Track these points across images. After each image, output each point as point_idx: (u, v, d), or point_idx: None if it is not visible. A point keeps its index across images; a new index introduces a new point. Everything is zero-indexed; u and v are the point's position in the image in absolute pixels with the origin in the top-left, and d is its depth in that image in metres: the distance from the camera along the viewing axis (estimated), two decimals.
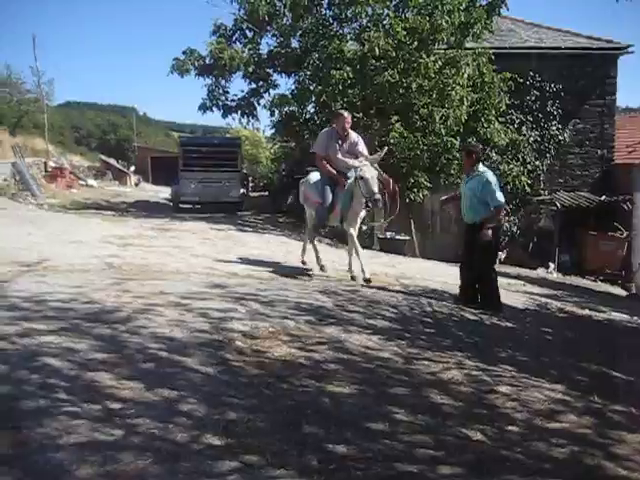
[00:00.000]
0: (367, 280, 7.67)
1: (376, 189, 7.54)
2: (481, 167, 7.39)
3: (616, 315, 9.15)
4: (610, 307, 9.96)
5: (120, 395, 3.20)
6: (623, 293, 15.36)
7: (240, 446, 2.78)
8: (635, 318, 9.06)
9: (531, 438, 3.36)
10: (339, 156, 8.05)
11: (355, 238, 8.03)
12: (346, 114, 8.41)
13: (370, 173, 7.59)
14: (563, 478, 2.88)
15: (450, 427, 3.34)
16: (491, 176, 7.26)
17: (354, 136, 8.36)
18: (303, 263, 8.84)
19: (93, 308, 4.92)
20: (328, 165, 8.17)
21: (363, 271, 7.73)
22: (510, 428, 3.48)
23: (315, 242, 8.98)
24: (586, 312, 8.95)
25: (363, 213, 8.13)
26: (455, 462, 2.91)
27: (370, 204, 7.68)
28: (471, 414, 3.61)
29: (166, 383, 3.41)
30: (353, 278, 8.03)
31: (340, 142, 8.20)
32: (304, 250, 8.96)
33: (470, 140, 14.34)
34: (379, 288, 7.53)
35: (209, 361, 3.90)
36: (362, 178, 7.58)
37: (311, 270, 8.51)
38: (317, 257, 8.80)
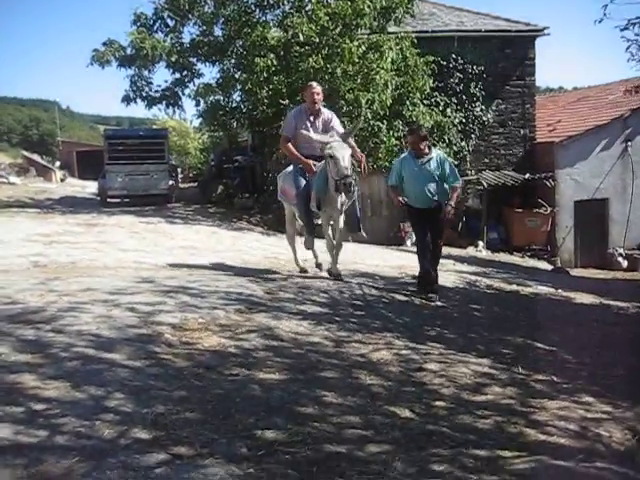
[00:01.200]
0: (337, 275, 7.27)
1: (347, 171, 6.51)
2: (434, 149, 7.20)
3: (542, 289, 9.47)
4: (536, 281, 10.29)
5: (44, 395, 3.13)
6: (548, 267, 15.90)
7: (169, 438, 2.77)
8: (559, 291, 9.40)
9: (457, 412, 3.46)
10: (312, 135, 6.96)
11: (339, 229, 7.18)
12: (315, 85, 7.52)
13: (341, 151, 6.54)
14: (487, 447, 2.97)
15: (379, 406, 3.40)
16: (446, 155, 7.25)
17: (327, 112, 7.49)
18: (303, 271, 7.80)
19: (15, 309, 4.78)
20: (294, 149, 7.20)
21: (333, 264, 7.33)
22: (437, 403, 3.57)
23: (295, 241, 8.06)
24: (513, 287, 9.22)
25: (344, 197, 6.93)
26: (383, 440, 2.97)
27: (340, 188, 6.59)
28: (400, 392, 3.68)
29: (92, 380, 3.35)
30: (319, 266, 7.72)
31: (312, 119, 7.28)
32: (296, 256, 7.98)
33: (396, 123, 14.53)
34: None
35: (137, 355, 3.84)
36: (331, 157, 6.56)
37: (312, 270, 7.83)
38: (296, 259, 7.94)
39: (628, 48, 7.45)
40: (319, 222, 7.33)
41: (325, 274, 7.57)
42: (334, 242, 7.21)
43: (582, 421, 3.43)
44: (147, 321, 4.64)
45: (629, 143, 17.92)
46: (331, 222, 7.18)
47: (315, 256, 7.86)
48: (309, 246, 7.56)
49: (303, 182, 7.06)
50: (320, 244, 7.62)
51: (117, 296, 5.38)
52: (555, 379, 4.28)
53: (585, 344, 5.49)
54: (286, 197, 7.62)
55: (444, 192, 6.96)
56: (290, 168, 7.52)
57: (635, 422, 3.46)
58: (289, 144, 7.24)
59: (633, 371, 4.75)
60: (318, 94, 7.28)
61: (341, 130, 7.17)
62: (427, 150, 7.01)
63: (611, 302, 8.51)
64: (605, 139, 17.95)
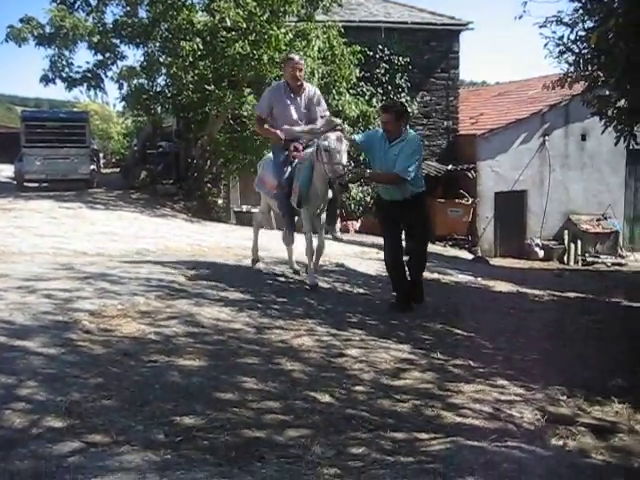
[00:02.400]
0: (314, 287, 6.35)
1: (344, 169, 5.73)
2: (409, 131, 6.05)
3: (462, 277, 9.70)
4: (457, 270, 10.53)
5: None
6: (469, 257, 16.30)
7: (84, 426, 2.70)
8: (479, 279, 9.65)
9: (376, 396, 3.51)
10: (293, 115, 6.24)
11: (322, 228, 6.54)
12: (296, 57, 6.58)
13: (338, 145, 5.70)
14: (405, 430, 3.02)
15: (299, 392, 3.41)
16: (417, 138, 6.15)
17: (310, 88, 6.61)
18: (254, 262, 7.21)
19: None
20: (272, 128, 6.36)
21: (309, 272, 6.53)
22: (357, 388, 3.61)
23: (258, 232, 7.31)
24: (435, 276, 9.39)
25: (330, 194, 6.23)
26: (303, 424, 2.98)
27: (333, 187, 5.98)
28: (320, 378, 3.71)
29: (3, 369, 3.22)
30: (297, 272, 7.04)
31: (292, 96, 6.36)
32: (255, 247, 7.27)
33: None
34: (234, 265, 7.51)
35: (53, 343, 3.73)
36: (326, 150, 5.71)
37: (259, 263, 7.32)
38: (254, 249, 7.24)
39: (546, 45, 7.65)
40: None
41: (302, 277, 6.90)
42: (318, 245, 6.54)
43: (496, 403, 3.54)
44: (64, 308, 4.51)
45: (547, 137, 18.55)
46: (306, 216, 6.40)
47: (290, 258, 7.18)
48: (289, 242, 6.88)
49: (287, 171, 6.25)
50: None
51: (32, 282, 5.22)
52: (472, 364, 4.40)
53: (502, 330, 5.66)
54: (264, 186, 6.88)
55: (417, 181, 5.92)
56: (271, 155, 6.79)
57: (545, 403, 3.60)
58: (265, 124, 6.46)
59: (545, 355, 4.93)
60: (300, 69, 6.39)
61: (327, 112, 6.55)
62: (401, 131, 5.86)
63: (527, 290, 8.78)
64: (524, 133, 18.52)
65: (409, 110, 6.56)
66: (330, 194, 6.23)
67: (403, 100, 18.46)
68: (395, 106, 6.21)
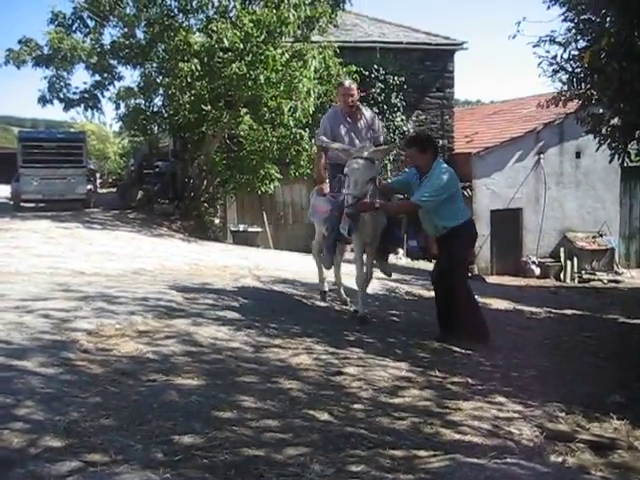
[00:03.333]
0: (362, 319, 6.06)
1: (352, 199, 5.49)
2: (441, 164, 5.76)
3: None
4: None
5: None
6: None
7: (82, 445, 2.69)
8: (476, 297, 9.64)
9: (375, 414, 3.50)
10: (355, 140, 6.07)
11: (371, 257, 6.34)
12: (347, 83, 6.43)
13: (354, 174, 5.49)
14: (404, 448, 3.02)
15: (298, 410, 3.41)
16: (445, 169, 5.67)
17: (369, 115, 6.47)
18: (322, 296, 6.93)
19: None
20: (321, 164, 6.37)
21: (358, 304, 6.22)
22: (355, 406, 3.60)
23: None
24: (432, 294, 9.39)
25: (384, 220, 5.99)
26: (302, 443, 2.97)
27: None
28: (318, 396, 3.71)
29: (1, 389, 3.21)
30: (323, 298, 6.87)
31: (350, 120, 6.27)
32: (321, 276, 6.94)
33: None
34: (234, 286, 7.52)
35: (50, 362, 3.73)
36: (345, 175, 5.63)
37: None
38: (321, 278, 6.92)
39: (540, 64, 7.71)
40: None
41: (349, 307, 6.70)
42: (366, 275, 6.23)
43: (495, 420, 3.54)
44: (61, 327, 4.51)
45: (542, 155, 18.66)
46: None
47: (321, 282, 6.94)
48: (327, 266, 6.69)
49: (338, 196, 6.00)
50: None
51: (30, 302, 5.20)
52: (470, 381, 4.40)
53: (499, 347, 5.66)
54: (316, 214, 6.60)
55: (444, 216, 5.64)
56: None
57: (544, 420, 3.60)
58: (321, 157, 6.40)
59: (543, 372, 4.94)
60: (352, 94, 6.23)
61: (381, 138, 6.47)
62: (431, 164, 5.63)
63: (524, 307, 8.79)
64: (519, 151, 18.62)
65: (428, 135, 6.10)
66: (384, 220, 6.00)
67: (398, 119, 18.62)
68: (418, 139, 5.87)
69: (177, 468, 2.56)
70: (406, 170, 6.22)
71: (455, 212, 5.69)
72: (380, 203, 5.71)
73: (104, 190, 29.10)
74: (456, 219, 5.66)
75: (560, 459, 3.03)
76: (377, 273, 6.52)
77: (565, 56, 7.49)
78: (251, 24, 13.48)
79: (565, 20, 7.25)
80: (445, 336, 5.64)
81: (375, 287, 8.88)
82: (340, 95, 6.42)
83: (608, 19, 6.48)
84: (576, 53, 7.38)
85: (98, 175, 29.46)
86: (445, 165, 5.79)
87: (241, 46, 13.48)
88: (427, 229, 5.91)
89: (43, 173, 18.05)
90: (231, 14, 14.49)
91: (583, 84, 7.56)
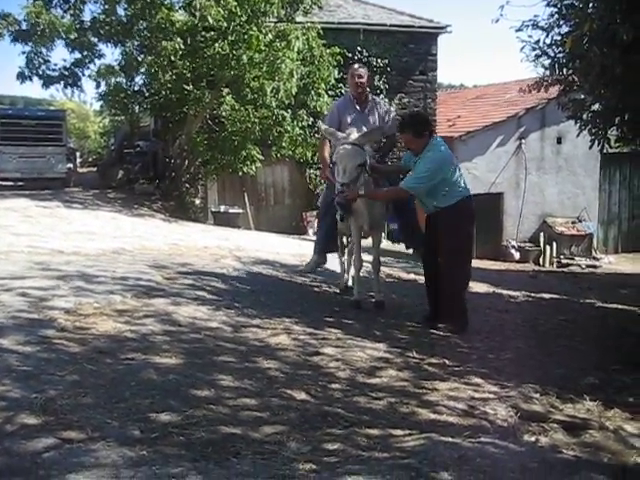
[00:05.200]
0: (379, 303, 6.05)
1: (341, 187, 5.32)
2: (436, 139, 5.59)
3: None
4: None
5: None
6: None
7: (59, 423, 2.70)
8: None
9: (352, 394, 3.54)
10: (363, 129, 5.69)
11: (377, 242, 6.20)
12: (356, 66, 6.25)
13: (343, 161, 5.34)
14: (380, 427, 3.06)
15: (275, 389, 3.44)
16: (437, 152, 5.43)
17: (383, 107, 6.34)
18: (343, 291, 6.64)
19: None
20: (325, 150, 6.17)
21: (379, 292, 6.16)
22: (333, 386, 3.64)
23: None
24: (411, 276, 9.45)
25: (381, 208, 5.86)
26: (279, 421, 3.00)
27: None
28: (296, 376, 3.74)
29: None
30: (345, 290, 6.56)
31: (359, 108, 6.11)
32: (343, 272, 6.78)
33: (301, 113, 14.54)
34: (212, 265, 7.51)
35: (28, 341, 3.72)
36: (333, 163, 5.58)
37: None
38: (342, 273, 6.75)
39: (522, 49, 7.73)
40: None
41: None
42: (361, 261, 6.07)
43: (470, 400, 3.59)
44: (39, 306, 4.49)
45: (523, 141, 18.72)
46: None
47: (309, 265, 6.80)
48: (319, 249, 6.64)
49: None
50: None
51: (7, 281, 5.17)
52: (447, 362, 4.45)
53: (477, 330, 5.71)
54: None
55: (437, 196, 5.49)
56: None
57: (518, 400, 3.65)
58: (324, 141, 6.21)
59: (519, 354, 5.00)
60: (361, 77, 6.06)
61: (393, 129, 6.07)
62: (426, 144, 5.45)
63: (503, 291, 8.86)
64: (501, 136, 18.66)
65: (425, 116, 5.79)
66: (382, 208, 5.88)
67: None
68: (412, 123, 5.49)
69: (154, 445, 2.58)
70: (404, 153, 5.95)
71: (451, 193, 5.44)
72: (366, 192, 5.54)
73: (84, 169, 28.76)
74: (452, 198, 5.43)
75: (533, 439, 3.08)
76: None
77: (547, 41, 7.52)
78: (235, 2, 13.33)
79: (548, 5, 7.26)
80: (433, 321, 5.57)
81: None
82: (349, 78, 6.23)
83: (590, 5, 6.48)
84: (558, 38, 7.40)
85: (78, 154, 29.11)
86: (440, 145, 5.51)
87: (225, 25, 13.34)
88: (425, 208, 5.72)
89: (22, 151, 17.82)
90: None
91: (565, 69, 7.60)
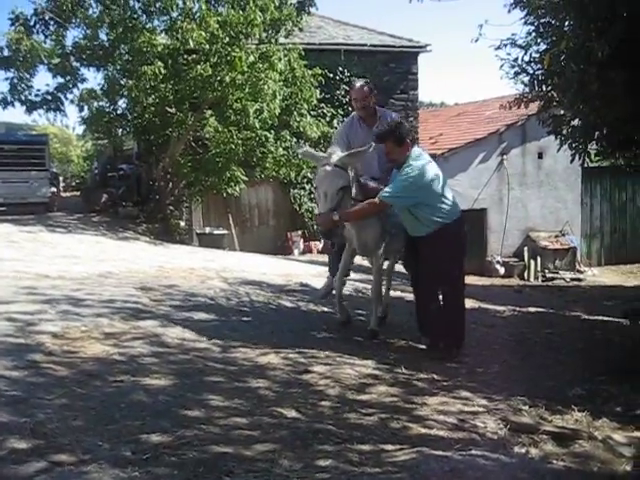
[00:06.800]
0: (373, 332, 5.66)
1: (321, 210, 5.08)
2: (416, 151, 5.27)
3: None
4: None
5: None
6: None
7: (49, 446, 2.68)
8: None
9: (343, 410, 3.55)
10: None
11: (375, 269, 5.75)
12: (357, 84, 5.84)
13: (323, 185, 5.06)
14: (371, 442, 3.07)
15: (266, 408, 3.44)
16: (416, 164, 5.10)
17: (392, 115, 5.93)
18: (343, 324, 6.00)
19: None
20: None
21: (375, 320, 5.76)
22: (323, 403, 3.65)
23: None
24: (398, 293, 9.47)
25: (373, 230, 5.41)
26: (270, 439, 3.00)
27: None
28: (286, 394, 3.74)
29: None
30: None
31: (366, 126, 5.69)
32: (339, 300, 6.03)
33: (284, 134, 14.61)
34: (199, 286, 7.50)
35: (15, 365, 3.69)
36: (314, 187, 5.34)
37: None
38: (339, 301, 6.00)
39: (502, 66, 7.87)
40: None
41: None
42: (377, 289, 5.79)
43: (460, 414, 3.61)
44: (26, 330, 4.45)
45: (505, 156, 18.92)
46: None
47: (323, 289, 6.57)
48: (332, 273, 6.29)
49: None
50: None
51: None
52: (436, 377, 4.48)
53: (465, 344, 5.73)
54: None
55: (420, 220, 5.23)
56: None
57: (508, 413, 3.68)
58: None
59: (507, 367, 5.04)
60: (363, 96, 5.71)
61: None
62: (407, 154, 5.20)
63: (489, 306, 8.92)
64: (483, 152, 18.85)
65: (405, 124, 5.40)
66: (374, 232, 5.41)
67: None
68: (390, 131, 5.18)
69: (145, 466, 2.57)
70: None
71: (437, 210, 5.16)
72: (339, 214, 5.08)
73: (68, 194, 28.65)
74: (439, 219, 5.16)
75: (524, 450, 3.10)
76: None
77: (526, 58, 7.66)
78: (217, 25, 13.42)
79: (526, 23, 7.41)
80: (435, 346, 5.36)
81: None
82: (353, 101, 5.90)
83: (567, 23, 6.62)
84: (536, 56, 7.54)
85: (61, 179, 29.04)
86: (421, 154, 5.28)
87: (207, 47, 13.41)
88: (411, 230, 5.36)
89: (4, 176, 17.75)
90: (196, 15, 14.40)
91: (544, 86, 7.73)
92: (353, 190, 5.17)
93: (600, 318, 8.55)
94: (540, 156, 19.14)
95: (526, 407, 3.84)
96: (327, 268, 6.66)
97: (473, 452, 2.91)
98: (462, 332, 5.50)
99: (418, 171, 5.06)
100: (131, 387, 3.51)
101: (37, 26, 15.02)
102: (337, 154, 5.11)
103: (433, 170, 5.19)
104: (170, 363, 4.07)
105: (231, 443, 2.89)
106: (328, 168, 5.02)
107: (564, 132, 7.61)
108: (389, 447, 3.01)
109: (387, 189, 5.07)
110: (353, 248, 5.69)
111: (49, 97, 15.32)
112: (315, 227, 5.30)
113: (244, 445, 2.88)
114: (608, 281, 17.36)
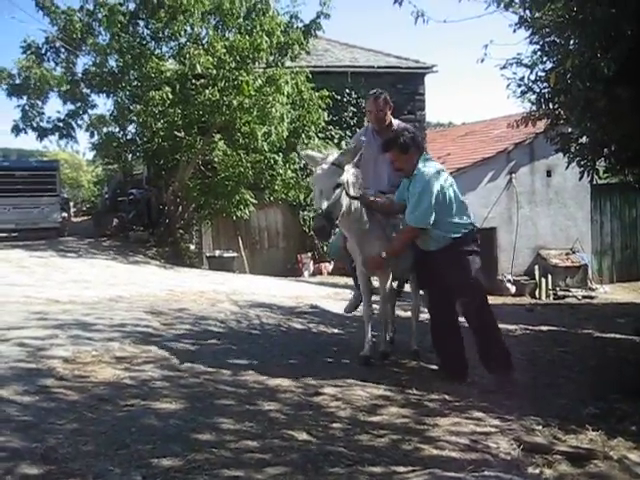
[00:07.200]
0: (384, 354, 5.51)
1: (318, 205, 4.85)
2: (423, 163, 5.00)
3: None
4: None
5: None
6: None
7: (61, 472, 2.68)
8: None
9: (354, 432, 3.52)
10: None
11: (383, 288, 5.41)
12: (372, 97, 5.67)
13: (319, 183, 4.92)
14: (383, 464, 3.04)
15: (277, 430, 3.42)
16: (431, 175, 4.89)
17: (408, 127, 5.51)
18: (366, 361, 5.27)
19: None
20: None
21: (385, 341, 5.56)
22: (334, 425, 3.62)
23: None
24: (408, 314, 9.43)
25: (376, 246, 5.06)
26: (281, 462, 2.98)
27: None
28: (297, 416, 3.72)
29: None
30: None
31: (379, 138, 5.46)
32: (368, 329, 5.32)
33: (292, 156, 14.65)
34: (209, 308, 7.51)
35: (27, 390, 3.70)
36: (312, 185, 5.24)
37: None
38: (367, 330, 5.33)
39: (508, 86, 7.89)
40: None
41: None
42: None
43: (472, 435, 3.57)
44: (37, 355, 4.47)
45: (513, 175, 18.91)
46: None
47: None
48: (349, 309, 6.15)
49: None
50: None
51: (4, 331, 5.15)
52: (447, 398, 4.44)
53: (476, 364, 5.69)
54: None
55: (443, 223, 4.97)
56: None
57: (521, 433, 3.64)
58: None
59: (520, 387, 4.99)
60: (378, 108, 5.59)
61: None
62: (415, 164, 5.00)
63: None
64: (492, 171, 18.85)
65: (413, 131, 5.21)
66: (376, 247, 5.09)
67: None
68: (395, 139, 4.99)
69: None
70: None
71: (443, 230, 4.96)
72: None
73: (78, 219, 28.84)
74: (455, 229, 5.01)
75: (537, 471, 3.07)
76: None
77: (532, 77, 7.67)
78: (224, 50, 13.56)
79: (531, 43, 7.43)
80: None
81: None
82: (368, 112, 5.76)
83: (572, 41, 6.64)
84: (543, 74, 7.55)
85: (72, 204, 29.23)
86: (430, 162, 5.08)
87: (214, 72, 13.55)
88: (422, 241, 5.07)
89: (16, 202, 17.90)
90: (204, 41, 14.59)
91: (551, 104, 7.73)
92: (352, 190, 4.98)
93: (613, 336, 8.48)
94: (549, 174, 19.12)
95: (539, 427, 3.80)
96: (336, 290, 6.61)
97: (486, 473, 2.88)
98: (503, 355, 5.11)
99: (428, 185, 4.85)
100: (142, 411, 3.51)
101: (48, 54, 15.30)
102: (333, 154, 5.03)
103: (443, 176, 5.02)
104: (181, 387, 4.06)
105: (242, 466, 2.87)
106: (324, 166, 4.93)
107: (572, 149, 7.61)
108: (401, 469, 2.98)
109: (410, 214, 4.88)
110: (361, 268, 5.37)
111: (60, 124, 15.55)
112: (313, 231, 4.86)
113: (255, 468, 2.87)
114: (620, 298, 17.22)
